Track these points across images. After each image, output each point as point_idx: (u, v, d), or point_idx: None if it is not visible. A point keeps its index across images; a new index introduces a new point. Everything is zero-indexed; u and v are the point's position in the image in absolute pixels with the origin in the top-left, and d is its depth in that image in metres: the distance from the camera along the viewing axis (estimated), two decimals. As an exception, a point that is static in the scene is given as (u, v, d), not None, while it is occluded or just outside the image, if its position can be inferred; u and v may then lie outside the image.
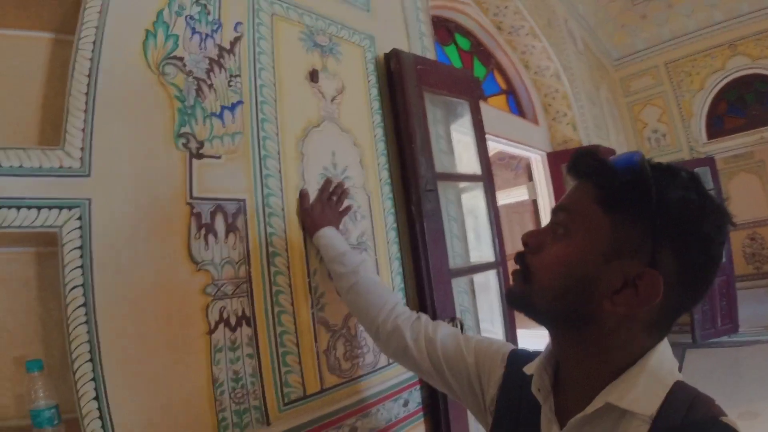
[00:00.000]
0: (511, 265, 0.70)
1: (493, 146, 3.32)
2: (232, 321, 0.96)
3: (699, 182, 0.56)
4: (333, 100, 1.34)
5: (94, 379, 0.78)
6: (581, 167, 0.61)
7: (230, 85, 1.07)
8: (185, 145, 0.97)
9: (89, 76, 0.88)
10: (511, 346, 0.82)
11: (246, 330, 0.97)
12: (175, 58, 0.99)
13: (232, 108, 1.07)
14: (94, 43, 0.89)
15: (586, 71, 4.00)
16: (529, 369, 0.69)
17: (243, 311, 0.98)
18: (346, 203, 1.25)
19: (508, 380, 0.76)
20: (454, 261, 1.71)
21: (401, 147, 1.49)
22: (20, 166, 0.79)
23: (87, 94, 0.87)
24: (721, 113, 4.82)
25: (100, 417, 0.77)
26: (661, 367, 0.57)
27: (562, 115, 3.47)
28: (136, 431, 0.80)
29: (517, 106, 3.57)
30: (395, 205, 1.45)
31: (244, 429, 0.94)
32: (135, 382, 0.82)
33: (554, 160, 3.45)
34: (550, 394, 0.65)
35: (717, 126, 4.84)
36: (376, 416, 1.21)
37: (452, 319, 1.41)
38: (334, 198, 1.21)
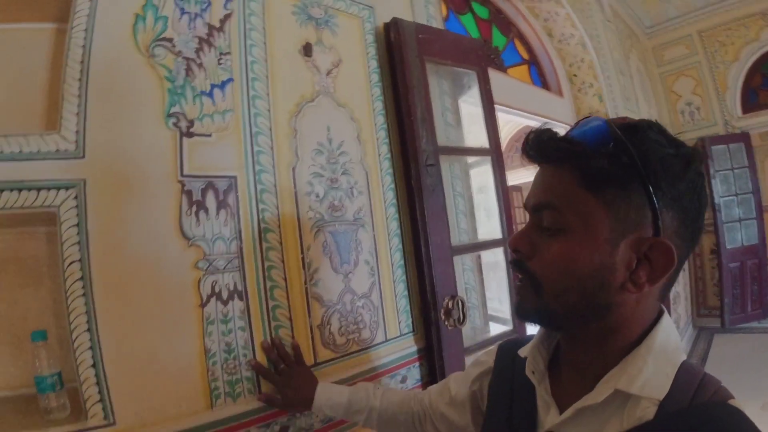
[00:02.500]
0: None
1: (514, 120, 3.28)
2: (224, 295, 1.03)
3: (665, 130, 0.55)
4: (328, 73, 1.37)
5: (91, 348, 0.87)
6: (551, 152, 0.58)
7: (220, 63, 1.12)
8: (175, 125, 1.03)
9: (82, 62, 0.95)
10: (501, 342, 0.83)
11: (238, 304, 1.05)
12: (164, 39, 1.04)
13: (222, 86, 1.12)
14: (86, 30, 0.96)
15: (614, 39, 3.88)
16: (523, 351, 0.69)
17: (235, 285, 1.05)
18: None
19: (498, 369, 0.77)
20: (460, 238, 1.75)
21: (401, 120, 1.52)
22: (20, 152, 0.88)
23: (80, 80, 0.94)
24: (755, 86, 4.64)
25: (98, 383, 0.87)
26: (668, 344, 0.57)
27: (588, 86, 3.39)
28: (131, 397, 0.90)
29: (540, 77, 3.50)
30: (395, 180, 1.48)
31: (236, 398, 1.02)
32: (131, 351, 0.91)
33: (579, 133, 3.39)
34: (545, 376, 0.65)
35: (752, 100, 4.67)
36: (372, 390, 1.28)
37: (452, 297, 1.46)
38: (282, 365, 1.09)
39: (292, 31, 1.30)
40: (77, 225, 0.90)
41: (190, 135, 1.04)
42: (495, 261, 1.89)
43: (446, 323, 1.43)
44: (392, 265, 1.42)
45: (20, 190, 0.87)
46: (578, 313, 0.57)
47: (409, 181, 1.48)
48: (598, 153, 0.53)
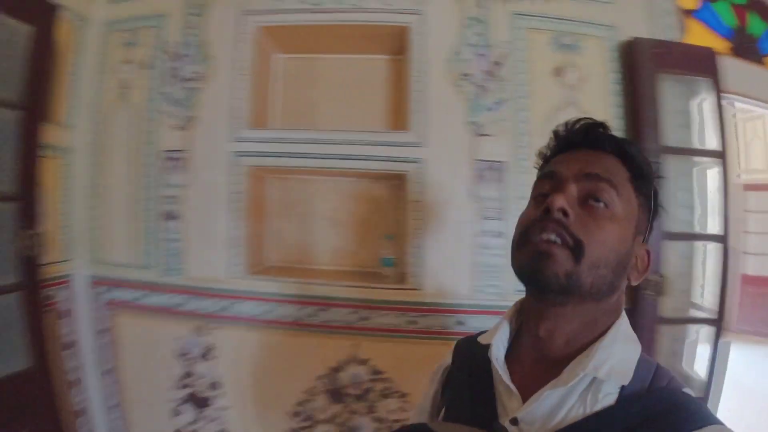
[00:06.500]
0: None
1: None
2: (493, 232, 1.77)
3: None
4: (574, 88, 1.94)
5: (419, 246, 1.72)
6: (613, 142, 0.69)
7: (498, 87, 1.82)
8: (472, 129, 1.78)
9: (417, 90, 1.78)
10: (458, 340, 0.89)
11: (499, 240, 1.77)
12: (465, 74, 1.81)
13: (500, 102, 1.82)
14: (417, 71, 1.80)
15: None
16: (485, 339, 0.73)
17: (498, 227, 1.78)
18: None
19: (456, 363, 0.82)
20: (676, 226, 2.11)
21: (631, 124, 1.99)
22: (387, 141, 1.76)
23: (418, 101, 1.76)
24: None
25: (417, 265, 1.73)
26: (629, 335, 0.65)
27: None
28: (433, 276, 1.74)
29: (813, 65, 3.32)
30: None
31: (488, 294, 1.75)
32: (437, 251, 1.74)
33: None
34: (505, 364, 0.69)
35: None
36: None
37: (655, 272, 1.89)
38: None
39: (547, 58, 1.91)
40: (418, 182, 1.73)
41: (480, 135, 1.79)
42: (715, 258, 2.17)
43: (645, 292, 1.89)
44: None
45: (386, 161, 1.74)
46: (600, 287, 0.62)
47: (631, 175, 1.96)
48: (646, 162, 0.68)
